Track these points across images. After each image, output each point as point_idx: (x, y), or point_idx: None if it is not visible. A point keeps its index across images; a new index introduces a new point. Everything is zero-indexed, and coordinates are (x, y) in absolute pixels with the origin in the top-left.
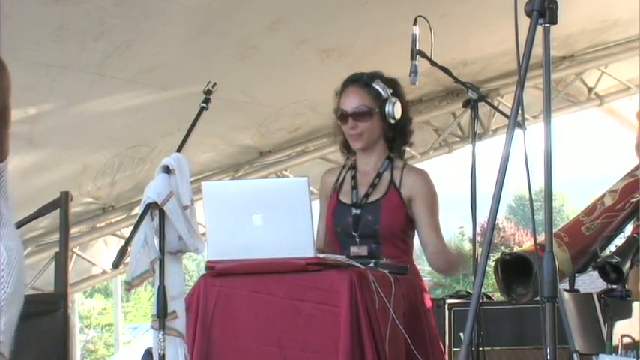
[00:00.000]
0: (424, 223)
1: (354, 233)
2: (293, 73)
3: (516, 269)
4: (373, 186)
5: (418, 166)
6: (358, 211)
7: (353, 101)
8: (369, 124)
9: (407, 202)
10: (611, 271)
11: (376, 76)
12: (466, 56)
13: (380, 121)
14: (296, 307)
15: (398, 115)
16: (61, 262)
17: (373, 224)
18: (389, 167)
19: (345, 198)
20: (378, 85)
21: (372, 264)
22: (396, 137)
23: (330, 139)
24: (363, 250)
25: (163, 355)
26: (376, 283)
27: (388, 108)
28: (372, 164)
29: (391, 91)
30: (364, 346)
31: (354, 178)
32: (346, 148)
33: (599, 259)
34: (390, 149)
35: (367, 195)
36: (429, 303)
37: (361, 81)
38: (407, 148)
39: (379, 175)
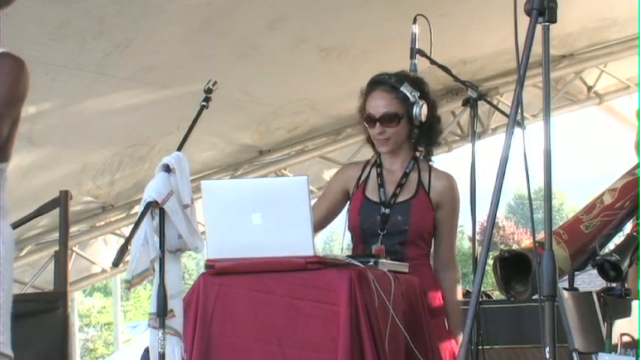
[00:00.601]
0: (445, 232)
1: (379, 232)
2: (292, 72)
3: (515, 267)
4: (400, 185)
5: None
6: (387, 210)
7: (380, 105)
8: (396, 129)
9: (435, 206)
10: (610, 270)
11: (403, 78)
12: (466, 55)
13: (407, 124)
14: (295, 306)
15: (424, 117)
16: (61, 260)
17: (403, 224)
18: (415, 167)
19: (372, 195)
20: (405, 89)
21: (371, 263)
22: (422, 138)
23: (330, 138)
24: (381, 249)
25: (163, 353)
26: (376, 282)
27: (416, 111)
28: (399, 164)
29: (418, 93)
30: (363, 345)
31: (379, 175)
32: (372, 143)
33: (598, 258)
34: (416, 149)
35: (395, 194)
36: (441, 302)
37: (388, 84)
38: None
39: (406, 175)
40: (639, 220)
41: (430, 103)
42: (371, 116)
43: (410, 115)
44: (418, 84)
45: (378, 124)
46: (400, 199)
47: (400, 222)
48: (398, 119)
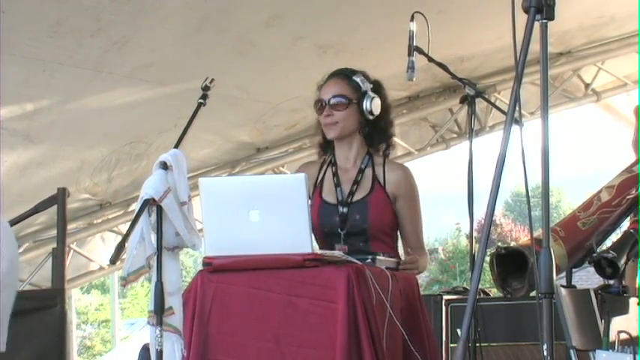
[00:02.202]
0: (407, 222)
1: (340, 231)
2: (290, 70)
3: (512, 263)
4: (356, 183)
5: (415, 162)
6: (345, 210)
7: (331, 90)
8: (344, 113)
9: (392, 198)
10: (607, 266)
11: (360, 72)
12: (463, 52)
13: (357, 113)
14: (293, 303)
15: (376, 110)
16: (58, 258)
17: (361, 223)
18: (369, 163)
19: (329, 196)
20: (358, 78)
21: (369, 260)
22: (374, 134)
23: None
24: (344, 248)
25: (161, 351)
26: (373, 279)
27: (366, 102)
28: (352, 160)
29: (371, 86)
30: (361, 342)
31: (335, 175)
32: (323, 148)
33: (595, 254)
34: (369, 145)
35: (352, 193)
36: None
37: (342, 74)
38: (406, 145)
39: (361, 172)
40: (639, 217)
41: (385, 104)
42: (321, 101)
43: (360, 104)
44: (374, 82)
45: (326, 107)
46: (357, 197)
47: (359, 220)
48: (347, 103)
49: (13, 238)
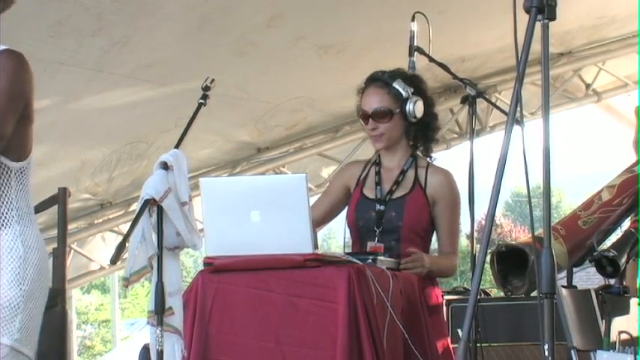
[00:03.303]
0: (444, 228)
1: (375, 228)
2: (291, 70)
3: (512, 261)
4: (397, 183)
5: None
6: (382, 207)
7: (373, 101)
8: (389, 124)
9: (431, 202)
10: (607, 265)
11: (397, 74)
12: (464, 52)
13: (401, 120)
14: (294, 304)
15: (419, 113)
16: (59, 258)
17: (396, 220)
18: (413, 165)
19: (369, 193)
20: (398, 85)
21: (369, 260)
22: (419, 135)
23: (328, 136)
24: (379, 247)
25: (161, 351)
26: (374, 280)
27: (409, 107)
28: (396, 162)
29: (412, 89)
30: (362, 343)
31: (377, 173)
32: None
33: (595, 253)
34: (414, 147)
35: (391, 191)
36: (439, 299)
37: (381, 80)
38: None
39: (403, 173)
40: (639, 217)
41: (426, 100)
42: (364, 113)
43: (404, 111)
44: (413, 81)
45: (370, 120)
46: (395, 195)
47: (394, 218)
48: (390, 115)
49: (44, 245)
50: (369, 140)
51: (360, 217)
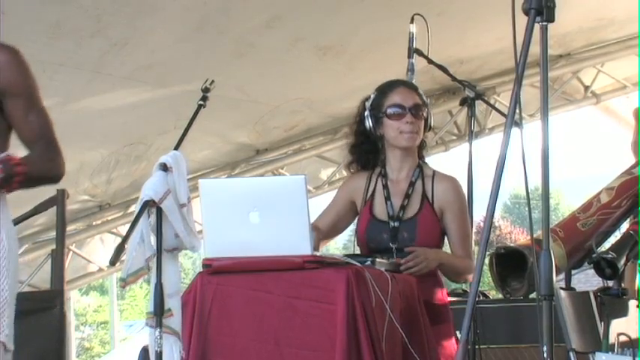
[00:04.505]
0: (454, 235)
1: (391, 245)
2: (290, 71)
3: (511, 263)
4: (407, 197)
5: None
6: (396, 224)
7: (410, 98)
8: (421, 123)
9: (439, 214)
10: (606, 267)
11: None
12: (463, 54)
13: (424, 125)
14: (293, 305)
15: (432, 123)
16: (58, 259)
17: (409, 241)
18: (420, 175)
19: (379, 212)
20: (421, 91)
21: (368, 262)
22: (423, 145)
23: (327, 137)
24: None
25: (160, 352)
26: (373, 281)
27: (430, 114)
28: (405, 172)
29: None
30: (361, 344)
31: (385, 187)
32: (363, 164)
33: (594, 255)
34: (420, 157)
35: (403, 207)
36: (445, 298)
37: (409, 84)
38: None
39: (412, 185)
40: (639, 219)
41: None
42: (401, 107)
43: (427, 116)
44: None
45: (408, 114)
46: (407, 215)
47: (406, 239)
48: (423, 114)
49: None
50: (395, 138)
51: (371, 238)
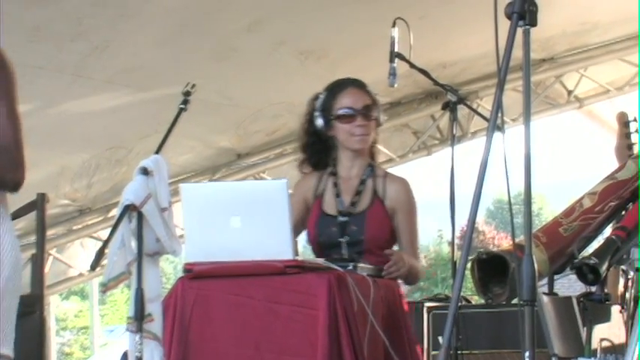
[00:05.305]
0: (404, 235)
1: (340, 240)
2: (271, 75)
3: (493, 269)
4: (358, 193)
5: (397, 168)
6: (345, 219)
7: (360, 100)
8: (372, 124)
9: (391, 213)
10: (588, 273)
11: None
12: (445, 58)
13: (375, 124)
14: (274, 310)
15: (383, 122)
16: (38, 264)
17: (358, 235)
18: (371, 174)
19: (329, 208)
20: (370, 90)
21: (350, 267)
22: (373, 144)
23: None
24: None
25: (140, 358)
26: (355, 286)
27: (379, 113)
28: (356, 170)
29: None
30: (342, 350)
31: (336, 185)
32: (315, 164)
33: (576, 261)
34: (371, 156)
35: (353, 203)
36: (406, 307)
37: (359, 83)
38: (387, 152)
39: (363, 182)
40: (621, 224)
41: None
42: (351, 109)
43: (378, 115)
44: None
45: (359, 117)
46: (356, 209)
47: (356, 232)
48: (373, 115)
49: (17, 243)
50: (346, 140)
51: (321, 233)
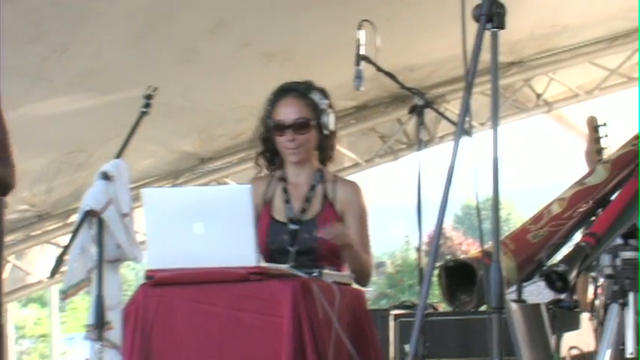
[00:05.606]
0: (354, 235)
1: (289, 249)
2: (235, 78)
3: (460, 276)
4: (308, 200)
5: (363, 173)
6: (295, 227)
7: (291, 112)
8: (307, 136)
9: (341, 215)
10: (557, 280)
11: (311, 86)
12: (413, 61)
13: (316, 132)
14: (237, 318)
15: (333, 126)
16: None
17: (310, 242)
18: (321, 179)
19: (279, 214)
20: (315, 96)
21: (315, 273)
22: (326, 148)
23: None
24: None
25: None
26: (320, 293)
27: (325, 119)
28: (304, 177)
29: (327, 102)
30: (307, 358)
31: (285, 191)
32: (269, 159)
33: (545, 268)
34: (321, 161)
35: (303, 210)
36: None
37: (297, 91)
38: (354, 156)
39: (313, 188)
40: (591, 230)
41: (335, 115)
42: (281, 123)
43: (319, 123)
44: (325, 94)
45: (289, 131)
46: (307, 216)
47: (308, 240)
48: (309, 126)
49: None
50: (282, 151)
51: (272, 240)
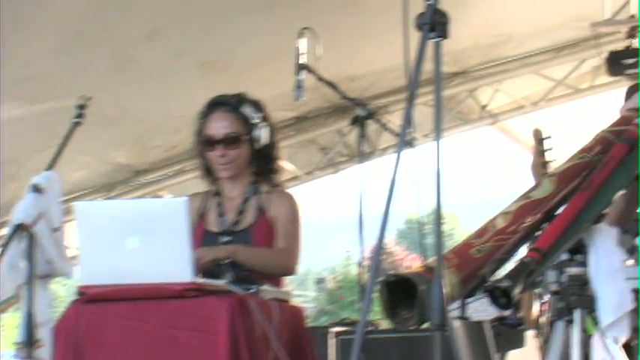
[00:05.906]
0: (280, 233)
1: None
2: (171, 87)
3: (402, 291)
4: (241, 212)
5: (303, 186)
6: (229, 239)
7: (221, 127)
8: (238, 151)
9: (273, 224)
10: (500, 296)
11: (244, 99)
12: (354, 71)
13: (248, 147)
14: (172, 336)
15: (266, 140)
16: None
17: None
18: (255, 192)
19: (212, 226)
20: (246, 110)
21: (253, 290)
22: (262, 162)
23: None
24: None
25: None
26: (257, 310)
27: (257, 133)
28: (238, 190)
29: (260, 115)
30: None
31: (219, 205)
32: (209, 173)
33: (488, 284)
34: (256, 174)
35: (237, 222)
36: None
37: (229, 105)
38: (293, 169)
39: (246, 200)
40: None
41: (270, 127)
42: (211, 138)
43: (251, 137)
44: (259, 107)
45: (219, 146)
46: (241, 227)
47: None
48: (239, 141)
49: None
50: (213, 166)
51: None
